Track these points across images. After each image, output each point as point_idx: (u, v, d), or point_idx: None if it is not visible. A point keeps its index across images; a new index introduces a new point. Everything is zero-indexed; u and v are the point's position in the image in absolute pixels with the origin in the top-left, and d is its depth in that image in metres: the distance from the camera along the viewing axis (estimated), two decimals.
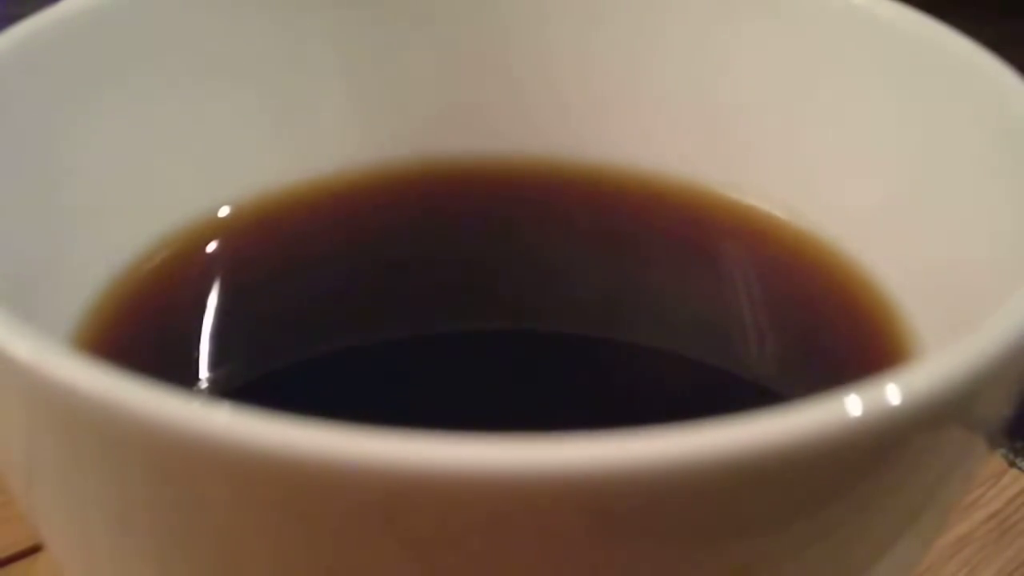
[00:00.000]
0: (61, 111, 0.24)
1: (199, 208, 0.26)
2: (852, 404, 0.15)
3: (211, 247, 0.26)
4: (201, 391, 0.23)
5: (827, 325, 0.25)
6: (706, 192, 0.27)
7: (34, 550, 0.29)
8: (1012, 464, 0.32)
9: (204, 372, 0.24)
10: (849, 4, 0.25)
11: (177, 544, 0.16)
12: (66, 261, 0.23)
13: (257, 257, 0.26)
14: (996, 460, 0.32)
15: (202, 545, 0.16)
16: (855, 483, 0.16)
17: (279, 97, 0.27)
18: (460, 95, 0.28)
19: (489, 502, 0.14)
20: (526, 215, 0.28)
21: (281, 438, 0.14)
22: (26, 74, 0.23)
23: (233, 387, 0.24)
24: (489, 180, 0.28)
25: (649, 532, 0.15)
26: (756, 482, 0.15)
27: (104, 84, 0.24)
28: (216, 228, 0.26)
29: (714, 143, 0.27)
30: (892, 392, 0.15)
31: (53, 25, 0.23)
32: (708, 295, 0.26)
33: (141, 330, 0.24)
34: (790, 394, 0.24)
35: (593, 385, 0.24)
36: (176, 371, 0.24)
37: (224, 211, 0.26)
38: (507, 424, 0.15)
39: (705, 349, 0.26)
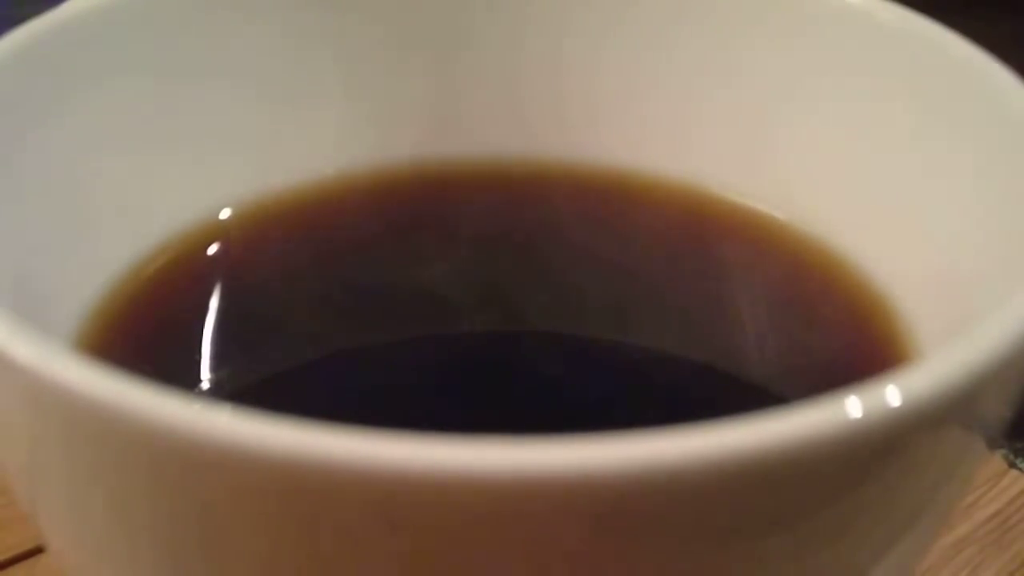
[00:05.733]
0: (62, 113, 0.24)
1: (200, 210, 0.26)
2: (852, 406, 0.15)
3: (212, 249, 0.26)
4: (202, 393, 0.23)
5: (827, 326, 0.25)
6: (706, 192, 0.27)
7: (36, 551, 0.29)
8: (1012, 465, 0.32)
9: (205, 374, 0.24)
10: (849, 7, 0.25)
11: (178, 545, 0.16)
12: (67, 263, 0.23)
13: (258, 259, 0.26)
14: (996, 461, 0.32)
15: (203, 546, 0.16)
16: (855, 484, 0.16)
17: (279, 99, 0.27)
18: (460, 97, 0.28)
19: (490, 504, 0.15)
20: (525, 217, 0.28)
21: (282, 440, 0.14)
22: (27, 76, 0.23)
23: (234, 389, 0.24)
24: (488, 182, 0.28)
25: (649, 533, 0.15)
26: (756, 484, 0.15)
27: (105, 87, 0.24)
28: (217, 230, 0.26)
29: (714, 145, 0.27)
30: (892, 393, 0.15)
31: (54, 27, 0.23)
32: (708, 296, 0.26)
33: (142, 332, 0.24)
34: (790, 395, 0.24)
35: (593, 386, 0.24)
36: (177, 373, 0.24)
37: (225, 213, 0.26)
38: (506, 425, 0.15)
39: (705, 350, 0.26)
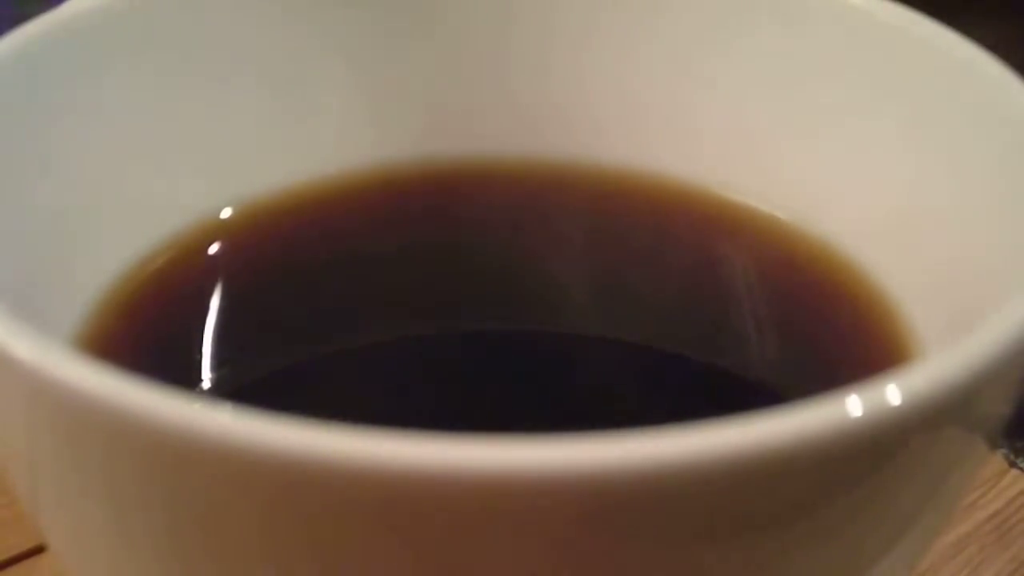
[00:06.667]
0: (65, 112, 0.24)
1: (201, 209, 0.26)
2: (852, 404, 0.15)
3: (213, 248, 0.26)
4: (203, 392, 0.23)
5: (827, 325, 0.25)
6: (706, 192, 0.27)
7: (37, 551, 0.29)
8: (1012, 464, 0.32)
9: (206, 373, 0.24)
10: (849, 6, 0.25)
11: (179, 544, 0.16)
12: (68, 262, 0.23)
13: (259, 258, 0.26)
14: (996, 460, 0.32)
15: (203, 544, 0.16)
16: (855, 483, 0.16)
17: (280, 98, 0.27)
18: (461, 96, 0.28)
19: (489, 503, 0.15)
20: (526, 216, 0.28)
21: (283, 439, 0.14)
22: (29, 75, 0.23)
23: (235, 388, 0.24)
24: (490, 181, 0.28)
25: (649, 533, 0.15)
26: (756, 483, 0.15)
27: (107, 86, 0.24)
28: (218, 229, 0.26)
29: (714, 144, 0.27)
30: (892, 392, 0.15)
31: (57, 27, 0.23)
32: (708, 295, 0.26)
33: (143, 331, 0.24)
34: (790, 394, 0.24)
35: (593, 385, 0.24)
36: (178, 372, 0.24)
37: (226, 212, 0.26)
38: (507, 424, 0.15)
39: (705, 349, 0.26)
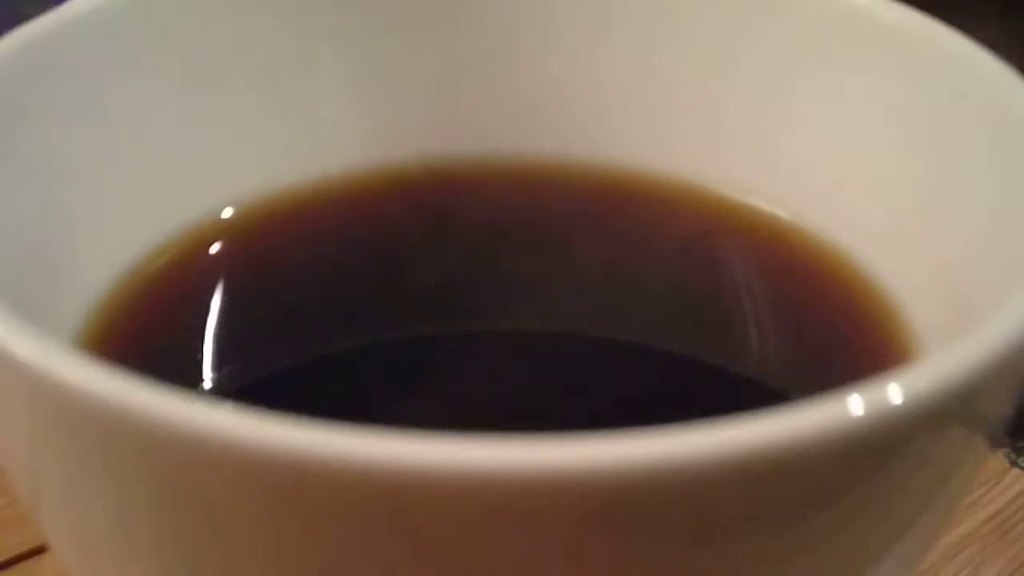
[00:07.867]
0: (65, 112, 0.24)
1: (202, 209, 0.26)
2: (854, 404, 0.15)
3: (214, 248, 0.26)
4: (205, 392, 0.23)
5: (827, 325, 0.25)
6: (706, 192, 0.27)
7: (38, 551, 0.29)
8: (1013, 464, 0.32)
9: (208, 373, 0.24)
10: (850, 5, 0.25)
11: (181, 543, 0.16)
12: (69, 262, 0.23)
13: (260, 258, 0.26)
14: (997, 460, 0.32)
15: (205, 544, 0.16)
16: (856, 483, 0.16)
17: (282, 98, 0.27)
18: (461, 96, 0.28)
19: (489, 502, 0.15)
20: (527, 215, 0.28)
21: (284, 438, 0.14)
22: (30, 75, 0.23)
23: (236, 388, 0.24)
24: (490, 181, 0.28)
25: (650, 532, 0.15)
26: (757, 482, 0.15)
27: (108, 85, 0.24)
28: (219, 229, 0.26)
29: (715, 143, 0.27)
30: (894, 392, 0.15)
31: (57, 27, 0.23)
32: (709, 295, 0.26)
33: (145, 331, 0.24)
34: (791, 394, 0.24)
35: (593, 385, 0.24)
36: (180, 372, 0.24)
37: (227, 212, 0.26)
38: (507, 424, 0.15)
39: (706, 349, 0.26)
